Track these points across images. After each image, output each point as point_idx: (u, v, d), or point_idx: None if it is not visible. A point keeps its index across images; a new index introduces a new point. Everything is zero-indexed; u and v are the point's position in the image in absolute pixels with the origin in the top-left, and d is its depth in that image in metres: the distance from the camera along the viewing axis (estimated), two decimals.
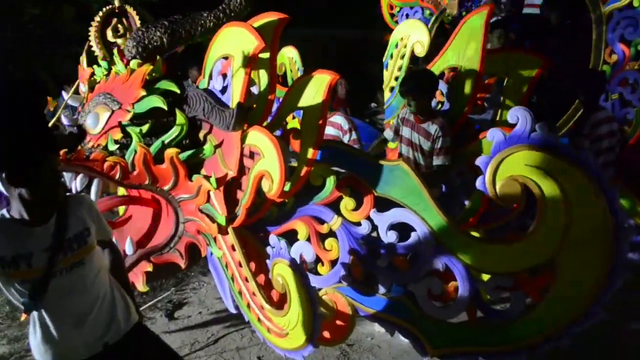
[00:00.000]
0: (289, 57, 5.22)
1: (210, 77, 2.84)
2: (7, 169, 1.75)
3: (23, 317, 2.88)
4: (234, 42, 2.62)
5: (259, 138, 2.58)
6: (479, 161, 2.47)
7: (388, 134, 3.99)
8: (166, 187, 2.84)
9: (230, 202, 2.78)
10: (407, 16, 6.19)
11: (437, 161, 3.46)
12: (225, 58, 2.72)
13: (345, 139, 4.47)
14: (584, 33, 4.75)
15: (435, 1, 6.03)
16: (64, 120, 3.17)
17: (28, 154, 1.77)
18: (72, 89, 3.09)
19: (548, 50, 4.47)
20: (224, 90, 2.76)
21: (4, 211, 1.86)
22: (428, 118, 3.48)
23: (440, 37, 5.61)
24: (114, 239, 2.32)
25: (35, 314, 1.90)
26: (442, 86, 3.66)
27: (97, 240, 2.05)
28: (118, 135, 2.82)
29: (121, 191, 3.27)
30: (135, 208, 3.25)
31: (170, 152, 2.75)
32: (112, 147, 2.82)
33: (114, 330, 2.04)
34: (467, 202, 3.40)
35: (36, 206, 1.82)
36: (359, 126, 4.66)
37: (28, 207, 1.81)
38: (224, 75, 2.76)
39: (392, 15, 6.35)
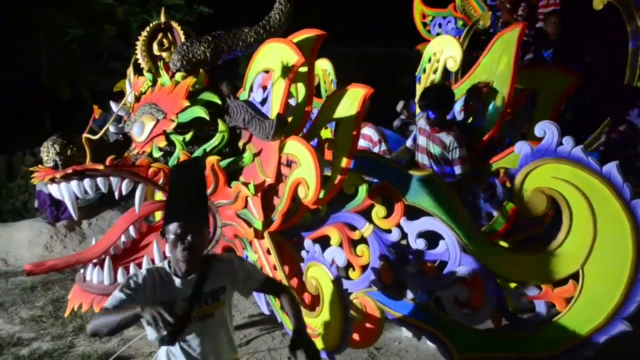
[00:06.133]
0: (323, 69, 5.39)
1: (251, 90, 3.04)
2: (186, 218, 2.10)
3: (66, 314, 3.10)
4: (275, 56, 2.80)
5: (296, 147, 2.74)
6: (507, 173, 2.59)
7: (409, 142, 4.23)
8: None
9: (267, 207, 2.94)
10: (440, 26, 6.32)
11: (457, 171, 3.64)
12: (266, 72, 2.91)
13: (376, 150, 4.62)
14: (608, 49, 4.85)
15: (468, 12, 6.13)
16: (111, 129, 3.36)
17: (203, 210, 2.26)
18: (123, 100, 3.29)
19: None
20: (263, 102, 2.95)
21: (165, 262, 2.21)
22: (443, 129, 3.70)
23: (473, 49, 5.73)
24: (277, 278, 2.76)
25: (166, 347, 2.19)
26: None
27: (256, 289, 2.39)
28: (162, 143, 3.00)
29: (158, 196, 3.43)
30: None
31: (212, 159, 2.93)
32: (157, 154, 3.01)
33: None
34: (495, 214, 3.52)
35: (189, 261, 2.13)
36: (388, 137, 4.80)
37: (185, 261, 2.12)
38: (264, 88, 2.95)
39: (425, 25, 6.48)
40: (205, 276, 2.18)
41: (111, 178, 2.97)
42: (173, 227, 2.09)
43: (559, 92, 3.64)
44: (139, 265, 3.04)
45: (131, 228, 3.20)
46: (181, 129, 2.99)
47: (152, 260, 3.07)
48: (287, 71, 2.73)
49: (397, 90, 7.03)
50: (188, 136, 2.98)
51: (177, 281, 2.15)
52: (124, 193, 3.03)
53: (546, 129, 2.52)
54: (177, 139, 2.99)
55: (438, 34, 6.29)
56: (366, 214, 2.99)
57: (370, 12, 12.16)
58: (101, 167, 2.86)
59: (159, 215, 3.55)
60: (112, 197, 3.05)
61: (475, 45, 5.73)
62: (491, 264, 2.66)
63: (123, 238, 3.17)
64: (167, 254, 2.98)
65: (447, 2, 6.36)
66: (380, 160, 3.06)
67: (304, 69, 2.81)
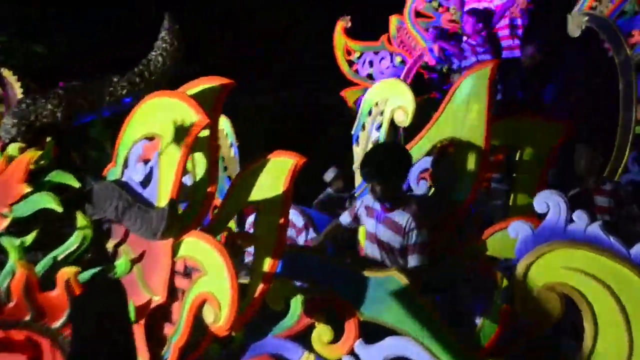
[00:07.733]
0: (220, 129, 5.31)
1: (126, 165, 2.92)
2: None
3: None
4: (163, 116, 2.71)
5: (198, 247, 2.65)
6: (500, 267, 2.56)
7: (345, 218, 3.95)
8: (56, 324, 2.79)
9: (155, 340, 2.79)
10: (371, 64, 6.49)
11: (411, 262, 3.45)
12: (149, 139, 2.81)
13: (301, 240, 4.50)
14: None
15: (408, 46, 6.29)
16: None
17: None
18: None
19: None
20: (145, 182, 2.83)
21: None
22: (397, 205, 3.51)
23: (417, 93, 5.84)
24: None
25: None
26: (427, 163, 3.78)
27: None
28: None
29: None
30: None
31: (66, 272, 2.75)
32: None
33: None
34: (479, 321, 3.42)
35: None
36: (316, 219, 4.69)
37: None
38: (145, 162, 2.83)
39: (351, 63, 6.63)
40: None
41: None
42: None
43: (546, 147, 3.68)
44: None
45: None
46: (18, 227, 2.86)
47: None
48: (183, 137, 2.64)
49: (324, 147, 7.01)
50: (29, 238, 2.85)
51: None
52: None
53: (550, 202, 2.53)
54: (11, 243, 2.84)
55: (369, 75, 6.44)
56: (303, 338, 2.91)
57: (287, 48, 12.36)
58: None
59: None
60: None
61: (420, 88, 5.84)
62: None
63: None
64: None
65: (378, 33, 6.55)
66: (320, 259, 3.00)
67: (204, 133, 2.72)
